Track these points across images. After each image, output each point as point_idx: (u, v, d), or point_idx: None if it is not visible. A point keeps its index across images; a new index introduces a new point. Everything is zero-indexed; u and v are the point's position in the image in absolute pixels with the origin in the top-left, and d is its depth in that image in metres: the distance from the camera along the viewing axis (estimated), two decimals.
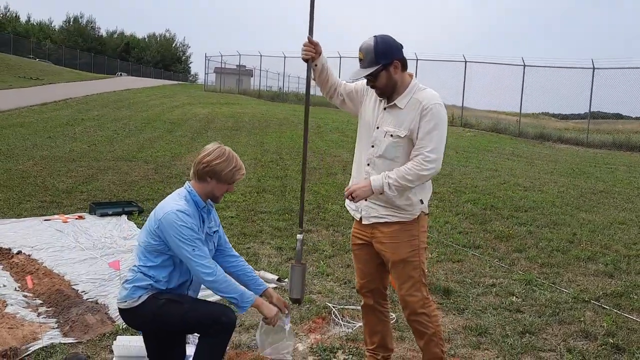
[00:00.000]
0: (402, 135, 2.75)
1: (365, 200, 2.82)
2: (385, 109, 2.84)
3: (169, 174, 9.42)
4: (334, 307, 4.10)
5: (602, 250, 6.00)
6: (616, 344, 3.60)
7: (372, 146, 2.86)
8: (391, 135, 2.77)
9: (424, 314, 2.83)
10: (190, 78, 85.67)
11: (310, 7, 2.83)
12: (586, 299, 4.47)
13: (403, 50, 2.80)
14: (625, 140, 18.99)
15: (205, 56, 41.66)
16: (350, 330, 3.75)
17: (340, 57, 26.92)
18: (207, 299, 2.80)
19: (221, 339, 2.69)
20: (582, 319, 4.04)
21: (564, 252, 5.89)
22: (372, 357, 3.12)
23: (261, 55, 36.40)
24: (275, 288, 4.48)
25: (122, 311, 2.77)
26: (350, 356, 3.38)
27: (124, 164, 10.19)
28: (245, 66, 41.33)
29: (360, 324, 3.83)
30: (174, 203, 2.71)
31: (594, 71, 19.69)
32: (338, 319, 3.92)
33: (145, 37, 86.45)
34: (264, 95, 35.80)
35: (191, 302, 2.74)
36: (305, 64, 2.91)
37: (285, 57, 34.14)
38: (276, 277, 4.59)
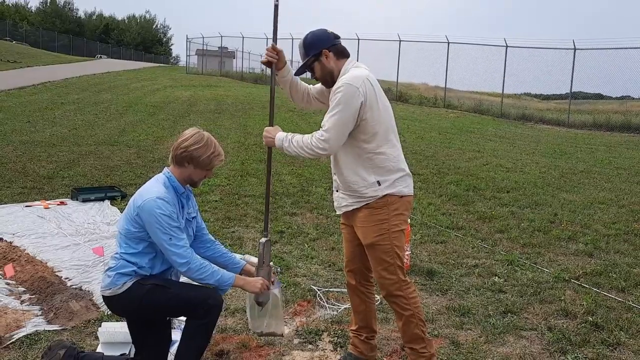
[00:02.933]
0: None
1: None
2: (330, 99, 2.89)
3: (152, 158, 9.34)
4: (318, 289, 4.13)
5: (582, 230, 6.10)
6: (595, 322, 3.68)
7: None
8: None
9: (401, 296, 2.85)
10: (172, 60, 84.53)
11: (274, 16, 2.95)
12: (566, 279, 4.56)
13: (339, 40, 2.91)
14: (605, 121, 19.22)
15: (187, 38, 41.09)
16: (335, 312, 3.79)
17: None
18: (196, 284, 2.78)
19: (208, 321, 2.69)
20: (562, 298, 4.13)
21: (545, 232, 5.98)
22: (356, 338, 3.15)
23: (243, 37, 36.04)
24: None
25: (106, 299, 2.75)
26: (336, 338, 3.41)
27: (105, 148, 10.07)
28: (227, 48, 40.87)
29: (345, 306, 3.88)
30: (154, 189, 2.69)
31: (575, 52, 19.82)
32: (323, 301, 3.95)
33: (125, 18, 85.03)
34: (247, 77, 35.49)
35: (177, 286, 2.73)
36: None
37: (267, 39, 33.80)
38: None
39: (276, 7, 2.95)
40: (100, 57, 58.60)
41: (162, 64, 61.91)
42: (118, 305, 2.76)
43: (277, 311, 2.97)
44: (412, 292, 2.88)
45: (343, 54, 2.90)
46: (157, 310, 2.73)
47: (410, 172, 2.95)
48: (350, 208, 2.91)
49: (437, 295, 4.19)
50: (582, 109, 22.63)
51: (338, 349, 3.30)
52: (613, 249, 5.44)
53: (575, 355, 3.25)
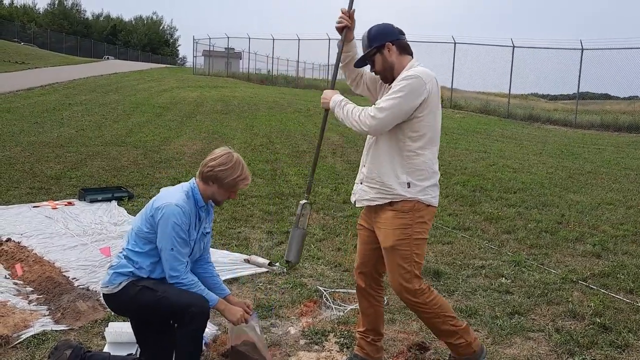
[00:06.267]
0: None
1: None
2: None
3: (158, 159, 9.36)
4: (325, 290, 4.12)
5: (590, 231, 6.06)
6: (603, 323, 3.66)
7: None
8: None
9: (418, 303, 2.83)
10: (179, 61, 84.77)
11: None
12: (574, 280, 4.53)
13: (403, 35, 2.87)
14: (612, 121, 19.11)
15: (194, 39, 41.20)
16: (341, 313, 3.78)
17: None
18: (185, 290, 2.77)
19: (195, 328, 2.66)
20: (570, 300, 4.10)
21: (552, 233, 5.95)
22: (362, 339, 3.14)
23: (250, 38, 36.09)
24: (266, 272, 4.51)
25: (104, 296, 2.81)
26: (342, 339, 3.41)
27: (112, 149, 10.11)
28: (234, 49, 40.94)
29: (352, 307, 3.87)
30: (176, 196, 2.72)
31: (582, 52, 19.71)
32: (329, 302, 3.94)
33: (132, 19, 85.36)
34: (253, 78, 35.54)
35: (165, 290, 2.69)
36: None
37: (274, 40, 33.86)
38: (267, 262, 4.60)
39: None
40: (108, 58, 58.86)
41: (169, 65, 62.09)
42: (114, 304, 2.80)
43: (260, 343, 2.98)
44: (429, 297, 2.84)
45: (406, 50, 2.87)
46: (146, 312, 2.74)
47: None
48: (373, 203, 2.86)
49: (444, 296, 4.17)
50: (590, 109, 22.52)
51: (344, 349, 3.29)
52: (621, 250, 5.40)
53: (583, 357, 3.23)
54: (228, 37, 38.15)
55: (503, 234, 5.93)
